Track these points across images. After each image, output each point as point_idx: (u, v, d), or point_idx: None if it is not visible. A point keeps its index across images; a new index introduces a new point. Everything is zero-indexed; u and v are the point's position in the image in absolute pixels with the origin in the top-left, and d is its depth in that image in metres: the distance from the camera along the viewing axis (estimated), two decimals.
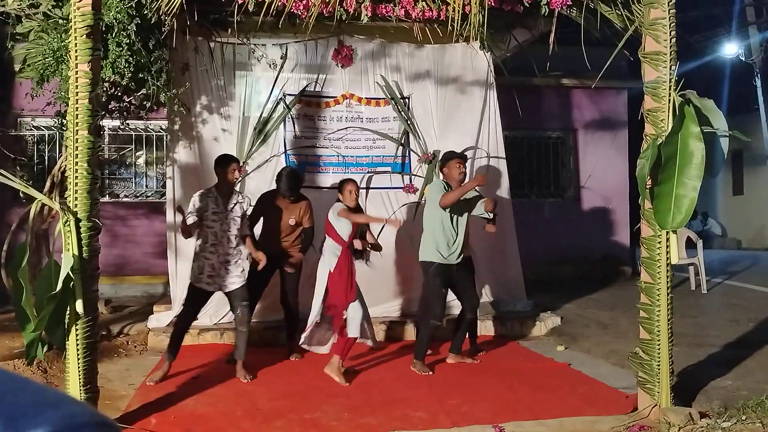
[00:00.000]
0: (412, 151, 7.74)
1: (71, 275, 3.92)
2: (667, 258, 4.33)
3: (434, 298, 5.68)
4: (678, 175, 4.09)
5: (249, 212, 5.62)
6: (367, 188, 7.54)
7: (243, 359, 5.47)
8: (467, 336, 6.14)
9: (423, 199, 7.45)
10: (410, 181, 7.69)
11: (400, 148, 7.72)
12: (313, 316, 5.50)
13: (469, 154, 7.20)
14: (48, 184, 6.32)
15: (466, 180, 5.95)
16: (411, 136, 7.73)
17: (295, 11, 5.51)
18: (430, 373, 5.57)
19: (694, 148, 4.07)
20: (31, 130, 9.50)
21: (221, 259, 5.38)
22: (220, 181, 5.48)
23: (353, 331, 5.38)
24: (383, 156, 7.72)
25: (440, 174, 6.10)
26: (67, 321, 4.06)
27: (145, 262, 9.49)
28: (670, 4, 4.31)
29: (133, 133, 9.59)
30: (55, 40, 5.92)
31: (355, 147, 7.67)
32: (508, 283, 7.80)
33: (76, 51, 4.07)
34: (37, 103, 6.52)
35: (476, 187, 5.79)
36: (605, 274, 10.61)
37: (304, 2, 5.43)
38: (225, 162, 5.50)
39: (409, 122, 7.69)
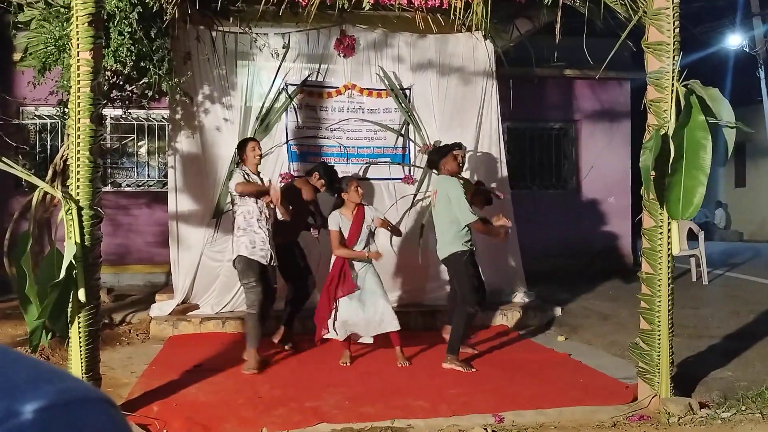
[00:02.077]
0: (412, 141, 7.73)
1: (74, 263, 3.93)
2: (669, 249, 4.33)
3: (468, 285, 5.51)
4: (687, 166, 4.10)
5: (233, 180, 5.61)
6: (365, 179, 7.54)
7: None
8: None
9: (424, 192, 7.47)
10: (410, 172, 7.68)
11: (400, 138, 7.71)
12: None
13: (467, 147, 7.22)
14: (50, 172, 6.33)
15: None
16: (411, 126, 7.72)
17: (297, 0, 5.50)
18: (473, 370, 5.37)
19: (700, 138, 4.06)
20: (33, 118, 9.50)
21: (269, 234, 5.53)
22: (248, 162, 5.64)
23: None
24: (384, 147, 7.72)
25: (439, 169, 6.02)
26: (69, 309, 4.08)
27: (146, 251, 9.51)
28: None
29: (135, 123, 9.58)
30: (57, 28, 5.91)
31: (356, 138, 7.67)
32: (508, 273, 7.80)
33: (77, 39, 4.06)
34: (40, 91, 6.51)
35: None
36: (606, 265, 10.61)
37: None
38: (243, 143, 5.80)
39: (409, 113, 7.67)
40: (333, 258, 5.62)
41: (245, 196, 5.45)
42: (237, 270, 5.55)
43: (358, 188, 5.67)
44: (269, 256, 5.55)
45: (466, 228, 5.56)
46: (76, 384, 0.44)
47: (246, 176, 5.50)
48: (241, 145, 5.81)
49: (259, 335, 5.47)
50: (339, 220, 5.61)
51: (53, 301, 3.87)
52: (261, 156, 5.78)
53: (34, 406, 0.40)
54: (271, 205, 5.54)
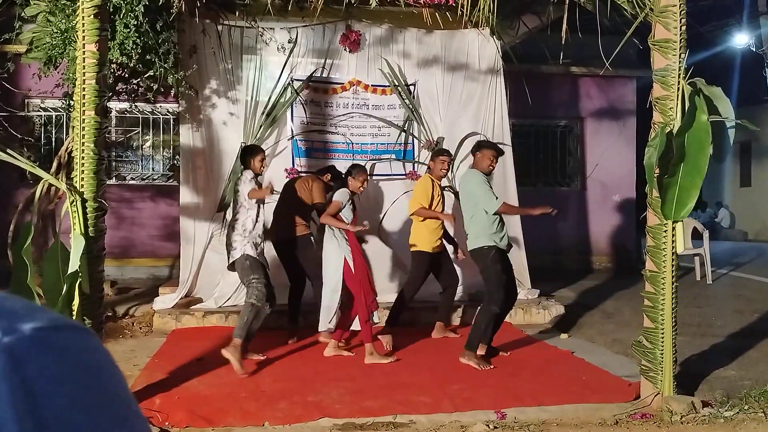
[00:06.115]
0: (415, 137, 7.71)
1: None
2: (673, 247, 4.32)
3: (495, 283, 5.40)
4: (685, 167, 4.09)
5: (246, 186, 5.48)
6: (371, 175, 7.54)
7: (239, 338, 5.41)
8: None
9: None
10: (413, 168, 7.67)
11: (402, 134, 7.70)
12: (336, 301, 5.52)
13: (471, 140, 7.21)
14: (55, 164, 6.35)
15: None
16: (415, 122, 7.70)
17: None
18: (491, 367, 5.28)
19: (702, 139, 4.05)
20: (38, 111, 9.51)
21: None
22: (253, 169, 5.60)
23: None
24: (388, 143, 7.71)
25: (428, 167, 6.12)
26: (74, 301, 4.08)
27: (150, 244, 9.52)
28: None
29: (140, 116, 9.60)
30: (63, 21, 5.91)
31: (361, 134, 7.66)
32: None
33: (83, 31, 4.07)
34: (45, 84, 6.52)
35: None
36: (610, 263, 10.59)
37: None
38: (253, 151, 5.73)
39: (413, 109, 7.65)
40: (346, 249, 5.49)
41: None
42: (243, 267, 5.40)
43: (365, 183, 5.68)
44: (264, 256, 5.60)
45: (496, 222, 5.46)
46: (62, 316, 0.52)
47: (256, 183, 5.50)
48: (251, 152, 5.70)
49: (252, 331, 5.28)
50: (346, 198, 5.57)
51: (67, 292, 3.86)
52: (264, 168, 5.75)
53: (30, 325, 0.47)
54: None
